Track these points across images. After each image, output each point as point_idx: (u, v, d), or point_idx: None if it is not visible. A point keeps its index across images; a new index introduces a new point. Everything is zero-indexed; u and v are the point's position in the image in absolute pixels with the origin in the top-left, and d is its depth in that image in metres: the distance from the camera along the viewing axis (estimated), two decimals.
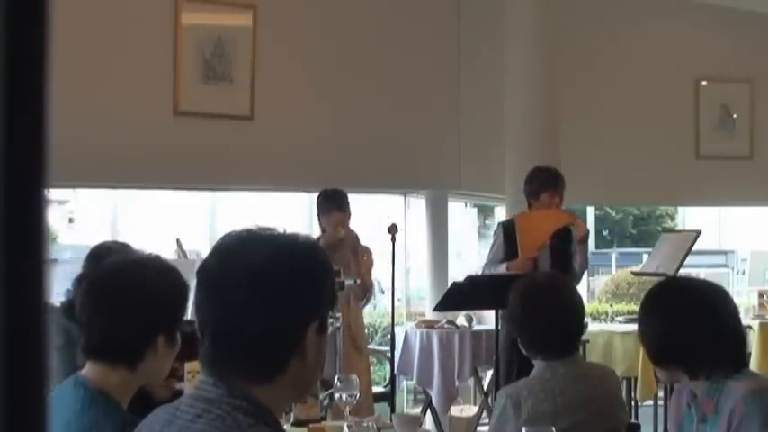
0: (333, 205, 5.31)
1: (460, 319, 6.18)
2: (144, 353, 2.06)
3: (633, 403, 6.36)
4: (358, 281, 4.94)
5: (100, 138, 5.71)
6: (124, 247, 3.55)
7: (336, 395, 3.00)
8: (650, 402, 6.38)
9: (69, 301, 3.39)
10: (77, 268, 3.65)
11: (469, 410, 6.43)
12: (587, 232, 5.70)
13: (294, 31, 6.50)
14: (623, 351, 6.31)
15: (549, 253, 5.49)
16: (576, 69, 7.61)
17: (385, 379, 7.32)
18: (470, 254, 9.50)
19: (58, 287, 3.52)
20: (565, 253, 5.48)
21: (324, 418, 3.27)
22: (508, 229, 5.65)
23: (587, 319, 4.60)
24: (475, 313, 6.18)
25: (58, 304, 3.28)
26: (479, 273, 5.83)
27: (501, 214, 7.29)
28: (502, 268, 5.51)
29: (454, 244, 7.60)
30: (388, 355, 5.72)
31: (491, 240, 5.92)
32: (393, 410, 5.13)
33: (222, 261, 1.47)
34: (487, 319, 6.19)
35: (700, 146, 8.30)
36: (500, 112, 6.85)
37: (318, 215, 5.41)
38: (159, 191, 7.10)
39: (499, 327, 5.79)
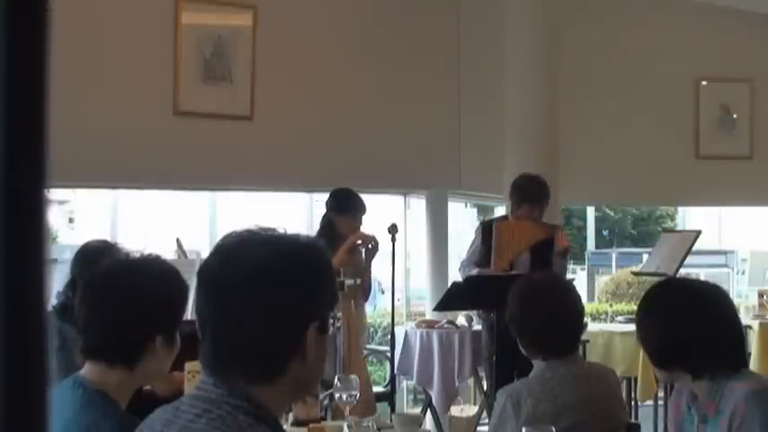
0: (362, 211, 5.37)
1: (460, 319, 6.17)
2: (142, 353, 2.05)
3: (633, 403, 6.36)
4: (359, 281, 4.93)
5: (100, 138, 5.71)
6: (113, 247, 3.54)
7: (336, 395, 2.99)
8: (650, 402, 6.38)
9: (63, 303, 3.38)
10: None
11: (469, 410, 6.42)
12: (568, 247, 5.50)
13: (294, 32, 6.50)
14: (623, 351, 6.31)
15: (528, 262, 5.40)
16: (576, 69, 7.61)
17: (385, 379, 7.32)
18: None
19: (56, 287, 3.52)
20: (545, 263, 5.36)
21: (324, 418, 3.27)
22: (487, 231, 5.54)
23: (587, 319, 4.59)
24: (475, 313, 6.17)
25: (51, 307, 3.27)
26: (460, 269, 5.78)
27: (501, 214, 7.28)
28: (476, 271, 5.45)
29: (454, 244, 7.59)
30: (388, 355, 5.72)
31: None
32: (393, 410, 5.13)
33: (223, 261, 1.47)
34: None
35: (700, 146, 8.29)
36: (500, 112, 6.85)
37: (336, 214, 5.39)
38: (159, 191, 7.10)
39: (480, 326, 5.80)
